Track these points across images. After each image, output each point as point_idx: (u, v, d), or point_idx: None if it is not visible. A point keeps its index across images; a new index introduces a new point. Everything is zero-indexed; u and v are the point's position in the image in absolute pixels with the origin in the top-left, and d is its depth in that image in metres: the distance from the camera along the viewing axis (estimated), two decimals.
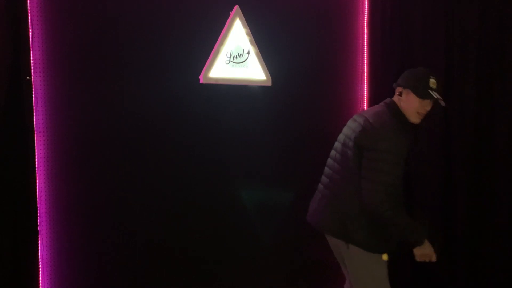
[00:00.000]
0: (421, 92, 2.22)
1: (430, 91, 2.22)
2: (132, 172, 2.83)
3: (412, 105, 2.25)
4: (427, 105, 2.26)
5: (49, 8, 2.61)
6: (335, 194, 2.28)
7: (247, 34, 2.90)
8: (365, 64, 3.33)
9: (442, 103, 2.24)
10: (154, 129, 2.86)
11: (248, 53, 2.92)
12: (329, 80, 3.24)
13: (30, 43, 2.55)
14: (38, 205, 2.62)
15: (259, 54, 2.92)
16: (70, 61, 2.68)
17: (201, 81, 2.86)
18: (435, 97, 2.21)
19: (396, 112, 2.27)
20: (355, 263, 2.27)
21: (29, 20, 2.56)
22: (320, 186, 2.43)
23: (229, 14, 2.88)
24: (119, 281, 2.85)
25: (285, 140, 3.10)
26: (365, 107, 3.36)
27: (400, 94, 2.29)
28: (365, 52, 3.32)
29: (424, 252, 2.24)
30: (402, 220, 2.14)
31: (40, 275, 2.63)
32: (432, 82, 2.24)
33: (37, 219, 2.61)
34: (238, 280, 3.07)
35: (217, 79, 2.88)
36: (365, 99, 3.35)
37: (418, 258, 2.27)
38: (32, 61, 2.57)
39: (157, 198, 2.89)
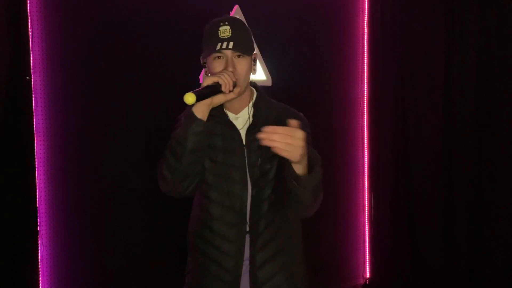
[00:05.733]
0: None
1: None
2: (131, 172, 2.83)
3: None
4: None
5: (49, 8, 2.61)
6: None
7: None
8: (365, 64, 3.33)
9: None
10: (154, 129, 2.85)
11: None
12: (329, 80, 3.24)
13: (30, 43, 2.55)
14: (38, 205, 2.61)
15: (259, 54, 2.92)
16: (70, 61, 2.68)
17: (201, 81, 2.86)
18: None
19: None
20: None
21: (29, 20, 2.55)
22: None
23: (229, 14, 2.88)
24: (119, 281, 2.85)
25: None
26: (365, 107, 3.37)
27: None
28: (365, 52, 3.32)
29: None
30: None
31: (40, 275, 2.63)
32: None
33: (37, 219, 2.61)
34: None
35: None
36: (365, 99, 3.35)
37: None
38: (32, 61, 2.57)
39: (157, 198, 2.87)
